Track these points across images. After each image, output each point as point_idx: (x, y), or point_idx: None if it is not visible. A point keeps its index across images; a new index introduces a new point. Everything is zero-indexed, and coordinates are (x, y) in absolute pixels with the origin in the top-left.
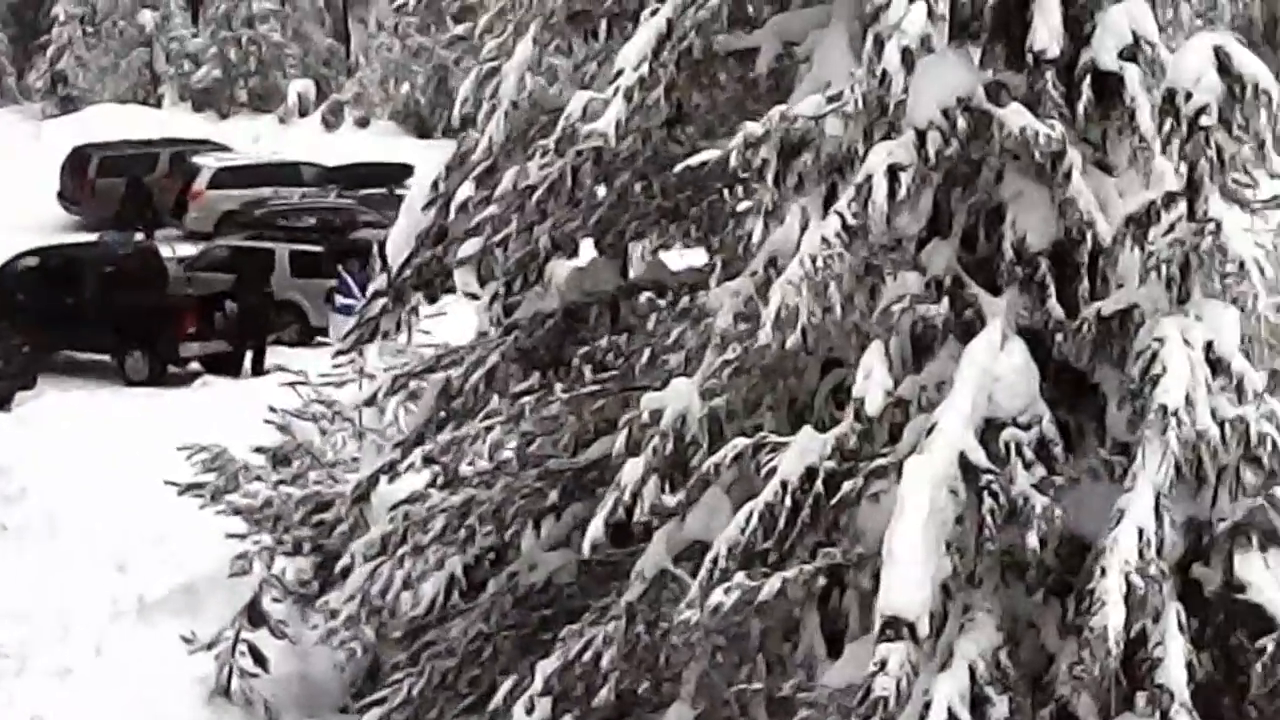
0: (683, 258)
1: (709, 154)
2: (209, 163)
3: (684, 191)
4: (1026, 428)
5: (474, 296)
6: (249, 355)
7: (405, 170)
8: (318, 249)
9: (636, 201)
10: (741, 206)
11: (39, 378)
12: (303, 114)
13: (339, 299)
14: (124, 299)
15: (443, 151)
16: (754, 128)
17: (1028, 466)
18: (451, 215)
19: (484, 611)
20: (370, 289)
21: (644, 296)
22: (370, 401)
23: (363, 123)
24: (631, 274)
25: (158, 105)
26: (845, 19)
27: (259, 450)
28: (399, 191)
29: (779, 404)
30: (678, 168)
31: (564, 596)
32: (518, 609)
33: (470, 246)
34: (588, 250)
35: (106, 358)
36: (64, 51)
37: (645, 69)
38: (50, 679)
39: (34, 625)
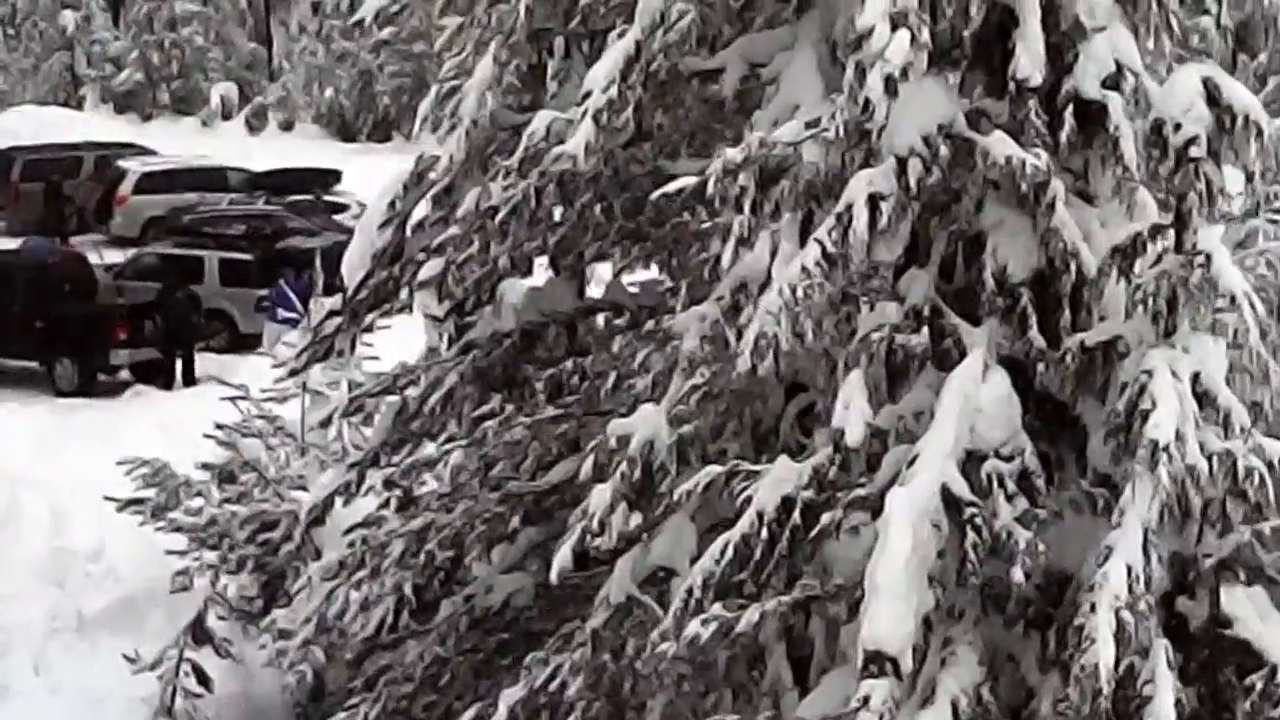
0: (629, 276)
1: (686, 180)
2: (134, 167)
3: (645, 212)
4: (1008, 459)
5: (435, 319)
6: (179, 364)
7: (332, 176)
8: (247, 257)
9: (597, 222)
10: (704, 227)
11: None
12: (226, 117)
13: (281, 312)
14: (54, 306)
15: (368, 156)
16: (733, 154)
17: (1010, 499)
18: (408, 234)
19: (440, 635)
20: (314, 303)
21: (602, 317)
22: (326, 423)
23: (286, 126)
24: (589, 294)
25: (79, 107)
26: (812, 41)
27: (205, 467)
28: (326, 197)
29: (743, 428)
30: (654, 195)
31: (522, 620)
32: (474, 632)
33: (432, 268)
34: (541, 269)
35: (35, 365)
36: None
37: (614, 91)
38: None
39: None
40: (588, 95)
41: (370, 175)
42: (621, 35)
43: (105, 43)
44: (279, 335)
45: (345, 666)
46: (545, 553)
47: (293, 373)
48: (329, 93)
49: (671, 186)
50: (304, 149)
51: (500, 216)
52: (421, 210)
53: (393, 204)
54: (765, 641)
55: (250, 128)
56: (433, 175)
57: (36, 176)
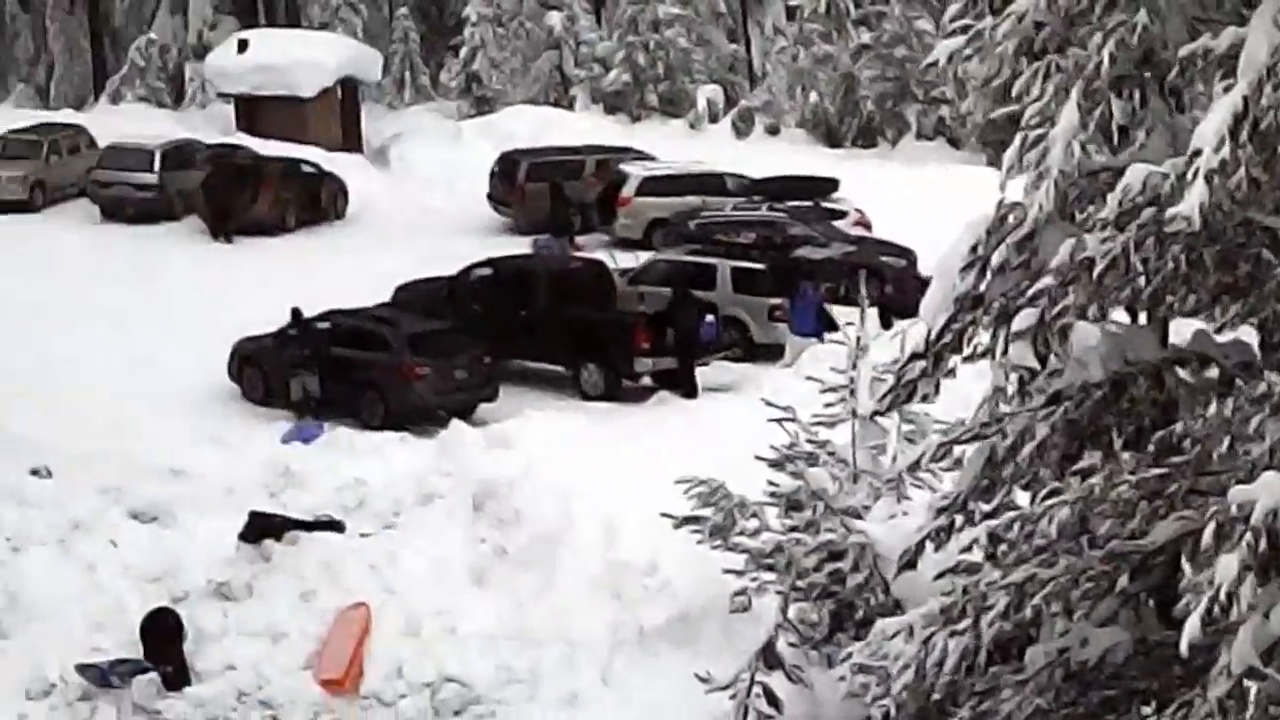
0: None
1: None
2: (635, 170)
3: (1239, 266)
4: None
5: (1029, 370)
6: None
7: (830, 183)
8: (760, 266)
9: (1187, 275)
10: None
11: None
12: (712, 120)
13: (812, 327)
14: (577, 311)
15: (854, 162)
16: None
17: None
18: (989, 279)
19: (1038, 686)
20: (861, 322)
21: (1187, 370)
22: (914, 467)
23: (773, 130)
24: (1172, 344)
25: (570, 107)
26: None
27: (774, 495)
28: (825, 205)
29: None
30: None
31: (1126, 677)
32: (1069, 685)
33: (1026, 318)
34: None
35: (559, 369)
36: (476, 52)
37: (1226, 151)
38: (560, 705)
39: (542, 651)
40: (1197, 153)
41: (861, 183)
42: (1227, 90)
43: (592, 44)
44: (802, 349)
45: (917, 700)
46: (1137, 605)
47: (874, 414)
48: (812, 97)
49: None
50: (792, 154)
51: (1098, 270)
52: (1001, 255)
53: (975, 248)
54: None
55: (737, 131)
56: (1011, 219)
57: (541, 178)
